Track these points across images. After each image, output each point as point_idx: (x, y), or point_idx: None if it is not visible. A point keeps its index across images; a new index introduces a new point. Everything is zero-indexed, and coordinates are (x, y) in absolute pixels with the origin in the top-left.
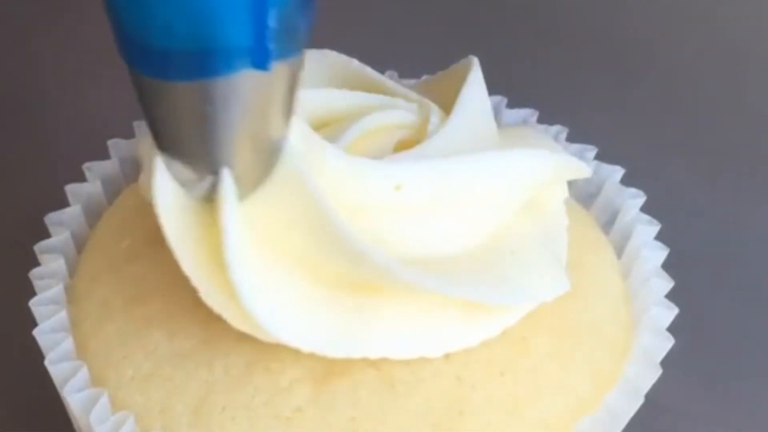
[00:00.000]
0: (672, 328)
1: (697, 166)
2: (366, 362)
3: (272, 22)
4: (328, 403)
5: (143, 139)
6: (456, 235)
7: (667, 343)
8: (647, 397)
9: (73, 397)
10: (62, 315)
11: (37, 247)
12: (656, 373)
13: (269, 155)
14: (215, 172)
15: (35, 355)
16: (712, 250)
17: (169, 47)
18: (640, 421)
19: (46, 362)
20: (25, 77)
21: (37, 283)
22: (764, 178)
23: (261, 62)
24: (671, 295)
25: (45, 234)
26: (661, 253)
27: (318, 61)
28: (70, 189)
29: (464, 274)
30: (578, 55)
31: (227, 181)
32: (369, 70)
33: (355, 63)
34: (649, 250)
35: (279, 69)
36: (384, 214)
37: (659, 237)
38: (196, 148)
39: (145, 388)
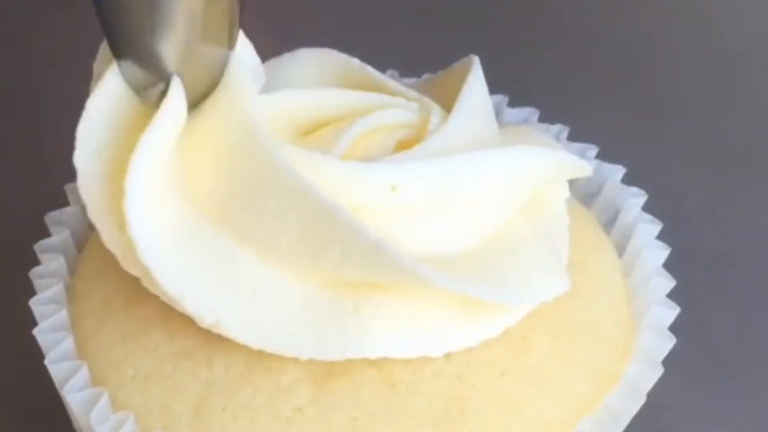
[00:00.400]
0: (673, 328)
1: (698, 166)
2: (366, 362)
3: None
4: (328, 402)
5: (99, 56)
6: (455, 234)
7: (669, 342)
8: (649, 396)
9: (74, 396)
10: (62, 314)
11: (37, 247)
12: (657, 372)
13: (214, 67)
14: (167, 79)
15: (35, 354)
16: (713, 250)
17: None
18: (642, 420)
19: (46, 362)
20: (25, 77)
21: (37, 283)
22: (766, 177)
23: None
24: (673, 295)
25: (45, 233)
26: (663, 252)
27: (318, 60)
28: (70, 188)
29: (464, 273)
30: (579, 54)
31: (176, 86)
32: (370, 69)
33: (355, 62)
34: (650, 249)
35: None
36: (382, 215)
37: (660, 236)
38: (147, 53)
39: (145, 387)
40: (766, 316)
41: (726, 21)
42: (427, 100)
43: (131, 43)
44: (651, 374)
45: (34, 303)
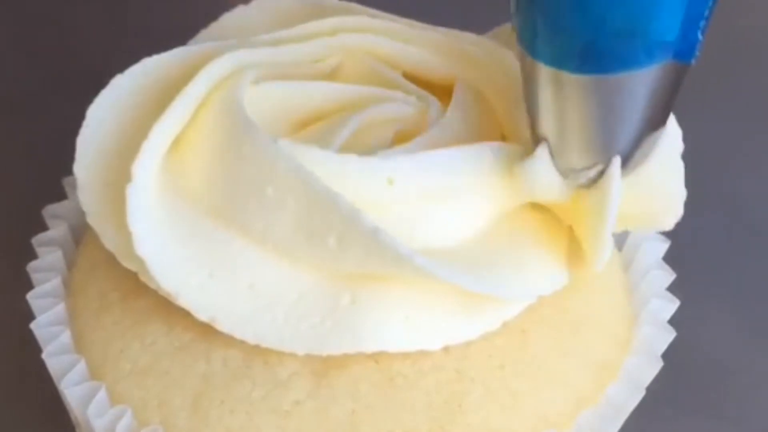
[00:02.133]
0: (673, 320)
1: (698, 158)
2: (365, 355)
3: (707, 12)
4: (327, 396)
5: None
6: (452, 227)
7: (669, 335)
8: (648, 389)
9: (71, 390)
10: (60, 308)
11: (35, 240)
12: (657, 365)
13: (653, 142)
14: (606, 161)
15: (33, 348)
16: (713, 243)
17: (596, 42)
18: (642, 413)
19: (44, 355)
20: (22, 71)
21: (34, 276)
22: (766, 170)
23: (687, 54)
24: (672, 288)
25: (43, 227)
26: (663, 245)
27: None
28: (68, 182)
29: (461, 266)
30: None
31: (616, 167)
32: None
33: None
34: (650, 242)
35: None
36: (379, 209)
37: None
38: (596, 138)
39: (143, 381)
40: (765, 309)
41: (725, 18)
42: (425, 93)
43: (572, 133)
44: (651, 367)
45: (31, 297)
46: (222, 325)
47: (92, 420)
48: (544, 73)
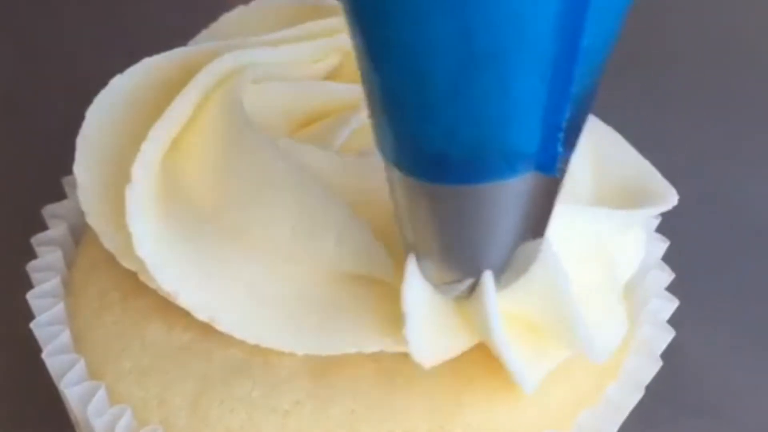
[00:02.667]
0: (672, 320)
1: (697, 158)
2: (365, 355)
3: (564, 124)
4: (327, 395)
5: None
6: None
7: (668, 335)
8: (648, 388)
9: (71, 389)
10: (60, 307)
11: (35, 240)
12: (657, 365)
13: (530, 254)
14: (476, 274)
15: (33, 347)
16: (713, 242)
17: (448, 153)
18: (641, 413)
19: (44, 355)
20: (21, 69)
21: (34, 276)
22: (766, 169)
23: (548, 166)
24: (672, 288)
25: (42, 226)
26: (662, 245)
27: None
28: (67, 181)
29: None
30: None
31: (489, 283)
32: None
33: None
34: (649, 242)
35: (560, 168)
36: (380, 209)
37: (659, 229)
38: (461, 251)
39: (142, 380)
40: (765, 309)
41: (723, 16)
42: None
43: (438, 246)
44: (650, 367)
45: (31, 296)
46: (222, 325)
47: (92, 419)
48: (402, 180)
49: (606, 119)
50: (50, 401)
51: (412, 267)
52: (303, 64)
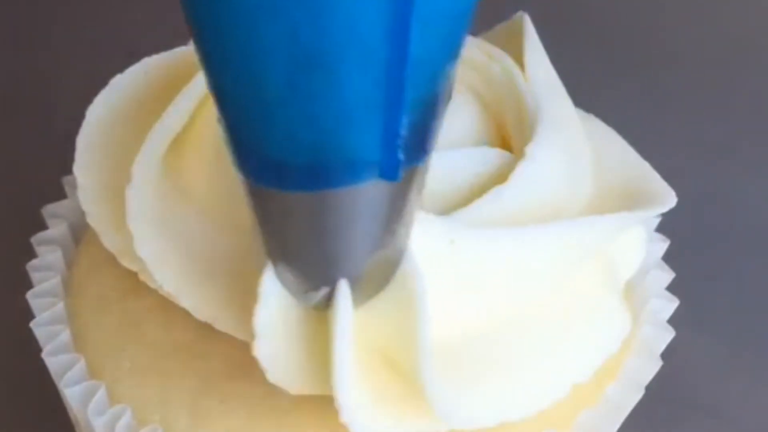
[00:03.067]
0: (673, 320)
1: (697, 158)
2: None
3: (403, 131)
4: (327, 395)
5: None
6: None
7: (668, 335)
8: (648, 388)
9: (71, 389)
10: (59, 307)
11: (35, 239)
12: (656, 365)
13: (388, 265)
14: (331, 283)
15: (32, 347)
16: (713, 242)
17: (290, 159)
18: (641, 413)
19: (44, 354)
20: (22, 69)
21: (34, 275)
22: (766, 168)
23: (390, 173)
24: (672, 287)
25: (42, 226)
26: (662, 244)
27: None
28: (68, 181)
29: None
30: (578, 48)
31: (344, 292)
32: None
33: None
34: (650, 241)
35: (406, 175)
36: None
37: (660, 228)
38: (314, 258)
39: (142, 380)
40: (765, 308)
41: (722, 14)
42: None
43: (295, 253)
44: (650, 367)
45: (31, 295)
46: (222, 325)
47: (92, 419)
48: (249, 187)
49: (606, 119)
50: (50, 401)
51: (268, 282)
52: None
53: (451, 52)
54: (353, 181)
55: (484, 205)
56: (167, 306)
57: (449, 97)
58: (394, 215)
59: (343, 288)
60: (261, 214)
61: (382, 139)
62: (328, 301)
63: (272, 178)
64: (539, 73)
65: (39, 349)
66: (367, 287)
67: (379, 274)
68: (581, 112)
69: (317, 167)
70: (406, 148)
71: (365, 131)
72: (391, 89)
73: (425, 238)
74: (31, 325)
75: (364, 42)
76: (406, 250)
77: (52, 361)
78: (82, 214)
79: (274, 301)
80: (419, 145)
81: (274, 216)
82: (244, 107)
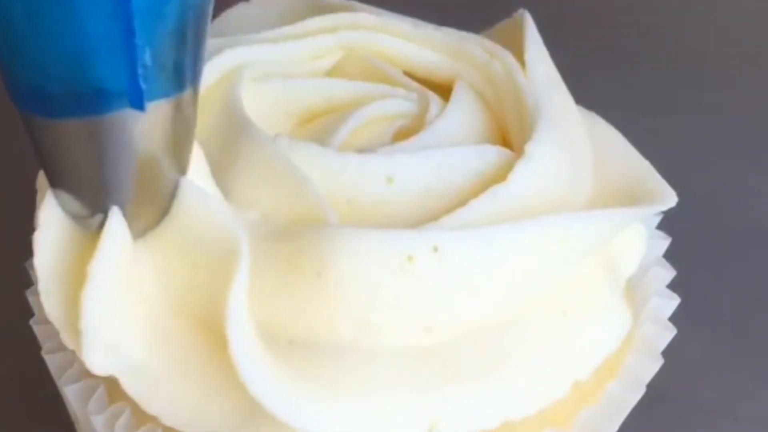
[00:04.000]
0: (674, 318)
1: (697, 156)
2: None
3: (147, 61)
4: None
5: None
6: None
7: (669, 333)
8: (649, 386)
9: (70, 387)
10: None
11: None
12: (658, 363)
13: (163, 195)
14: (104, 210)
15: (32, 345)
16: (714, 240)
17: (47, 87)
18: (642, 410)
19: (43, 352)
20: None
21: (33, 273)
22: (766, 167)
23: (136, 102)
24: (673, 285)
25: None
26: (663, 242)
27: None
28: None
29: None
30: (579, 47)
31: (114, 218)
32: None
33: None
34: (650, 239)
35: (162, 107)
36: (377, 206)
37: (661, 226)
38: (84, 185)
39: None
40: (766, 306)
41: (721, 13)
42: (425, 90)
43: (69, 179)
44: (651, 365)
45: (30, 293)
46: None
47: (91, 417)
48: (20, 114)
49: (608, 117)
50: (50, 399)
51: (49, 206)
52: (303, 61)
53: None
54: (106, 109)
55: (481, 205)
56: None
57: (203, 35)
58: (158, 146)
59: (115, 214)
60: (35, 141)
61: (126, 69)
62: (100, 227)
63: (34, 105)
64: (540, 71)
65: (39, 347)
66: (142, 215)
67: (152, 203)
68: (583, 110)
69: (70, 96)
70: (154, 79)
71: (110, 62)
72: (121, 21)
73: (377, 255)
74: (31, 322)
75: None
76: (181, 181)
77: (51, 359)
78: None
79: (54, 224)
80: (170, 77)
81: (44, 143)
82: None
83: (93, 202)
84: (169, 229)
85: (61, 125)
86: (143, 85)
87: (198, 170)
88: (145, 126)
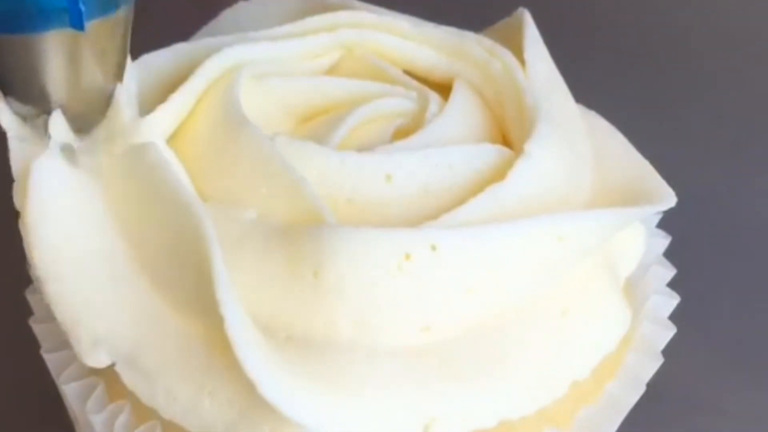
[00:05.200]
0: (673, 317)
1: (698, 155)
2: None
3: None
4: None
5: None
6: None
7: (669, 331)
8: (648, 386)
9: (69, 386)
10: None
11: None
12: (657, 362)
13: (99, 99)
14: (47, 112)
15: (32, 344)
16: (714, 239)
17: None
18: (642, 409)
19: (43, 351)
20: None
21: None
22: (766, 167)
23: (77, 22)
24: (673, 284)
25: None
26: (663, 241)
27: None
28: None
29: None
30: (580, 47)
31: (56, 117)
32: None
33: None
34: (650, 238)
35: (97, 26)
36: (376, 204)
37: (661, 225)
38: (29, 92)
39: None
40: (766, 305)
41: (721, 13)
42: (425, 89)
43: (15, 87)
44: (651, 364)
45: (30, 293)
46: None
47: (90, 416)
48: None
49: (608, 116)
50: (49, 397)
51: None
52: (303, 60)
53: None
54: (47, 27)
55: (480, 203)
56: None
57: None
58: (95, 60)
59: (57, 115)
60: None
61: None
62: (45, 127)
63: None
64: (540, 70)
65: (38, 346)
66: (83, 115)
67: (90, 106)
68: (583, 109)
69: (13, 13)
70: (91, 1)
71: None
72: None
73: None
74: (30, 321)
75: None
76: (117, 87)
77: (51, 357)
78: None
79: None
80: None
81: None
82: None
83: (38, 105)
84: (108, 138)
85: (5, 41)
86: (83, 7)
87: (130, 77)
88: (83, 42)
